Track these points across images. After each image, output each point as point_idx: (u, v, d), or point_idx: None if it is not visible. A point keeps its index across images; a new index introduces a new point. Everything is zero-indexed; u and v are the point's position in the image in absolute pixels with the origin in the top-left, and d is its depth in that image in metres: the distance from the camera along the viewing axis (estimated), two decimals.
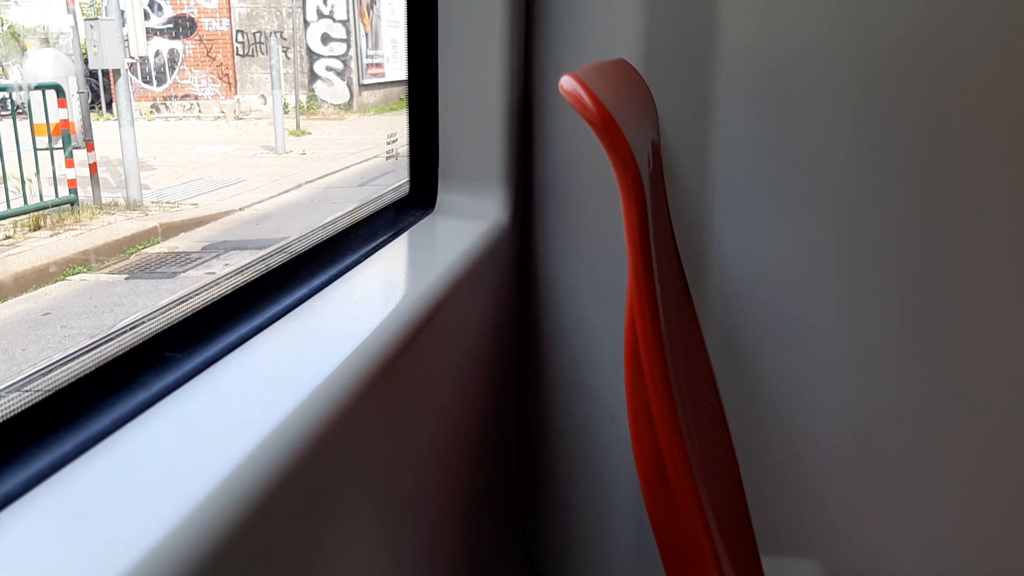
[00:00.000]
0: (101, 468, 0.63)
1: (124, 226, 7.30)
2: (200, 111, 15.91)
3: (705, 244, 1.52)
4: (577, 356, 1.57)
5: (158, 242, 7.14)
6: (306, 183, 9.81)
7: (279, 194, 9.15)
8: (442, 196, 1.50)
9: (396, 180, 1.57)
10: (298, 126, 14.17)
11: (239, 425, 0.71)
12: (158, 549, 0.54)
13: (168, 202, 8.31)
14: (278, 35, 15.95)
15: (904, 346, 1.51)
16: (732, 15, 1.43)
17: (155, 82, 15.89)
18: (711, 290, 1.53)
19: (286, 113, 13.57)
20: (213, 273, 6.58)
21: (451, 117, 1.46)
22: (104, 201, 7.88)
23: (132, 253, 6.76)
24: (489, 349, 1.45)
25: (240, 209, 8.30)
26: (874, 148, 1.44)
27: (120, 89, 8.38)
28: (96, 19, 8.09)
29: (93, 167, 7.96)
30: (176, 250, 6.91)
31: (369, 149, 12.14)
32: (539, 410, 1.61)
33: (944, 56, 1.40)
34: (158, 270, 6.41)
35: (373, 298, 1.12)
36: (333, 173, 10.47)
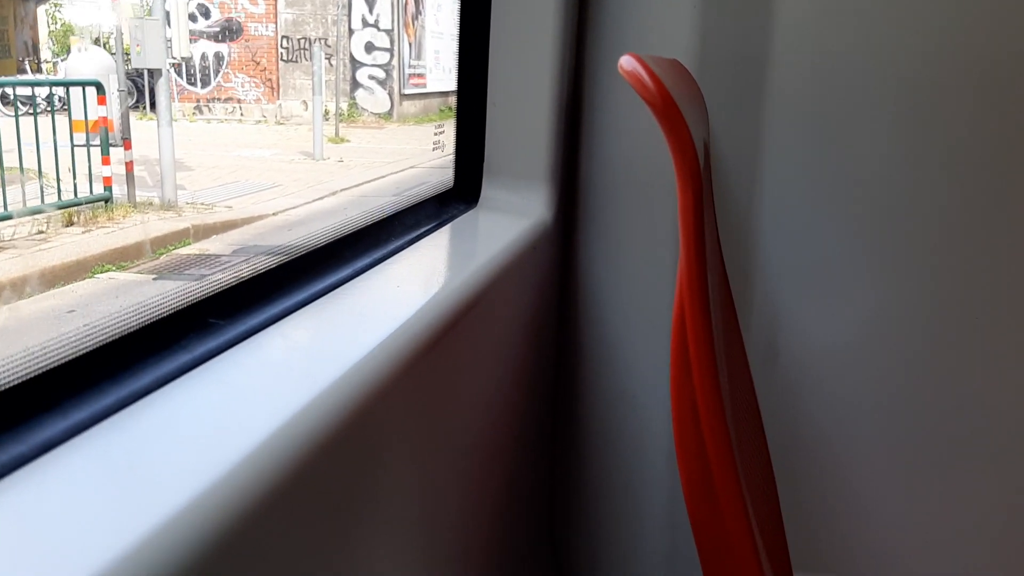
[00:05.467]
0: (141, 423, 0.63)
1: (156, 226, 7.33)
2: (242, 114, 16.05)
3: (751, 252, 1.49)
4: (615, 359, 1.54)
5: (189, 243, 7.15)
6: (342, 190, 9.83)
7: (313, 200, 9.17)
8: (486, 191, 1.48)
9: (433, 192, 1.57)
10: (337, 133, 14.24)
11: (278, 393, 0.70)
12: (193, 504, 0.54)
13: (202, 203, 8.34)
14: (322, 42, 16.08)
15: (952, 367, 1.47)
16: (786, 24, 1.40)
17: (199, 84, 16.07)
18: (755, 299, 1.50)
19: (326, 120, 13.65)
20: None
21: (499, 113, 1.45)
22: (139, 200, 7.92)
23: (162, 253, 6.77)
24: (526, 345, 1.42)
25: (274, 214, 8.33)
26: (924, 163, 1.41)
27: (160, 89, 8.46)
28: (141, 19, 8.17)
29: (129, 165, 8.00)
30: (206, 252, 6.92)
31: (406, 159, 12.15)
32: (573, 411, 1.58)
33: (999, 78, 1.37)
34: (187, 272, 6.42)
35: (415, 283, 1.11)
36: (369, 182, 10.48)
